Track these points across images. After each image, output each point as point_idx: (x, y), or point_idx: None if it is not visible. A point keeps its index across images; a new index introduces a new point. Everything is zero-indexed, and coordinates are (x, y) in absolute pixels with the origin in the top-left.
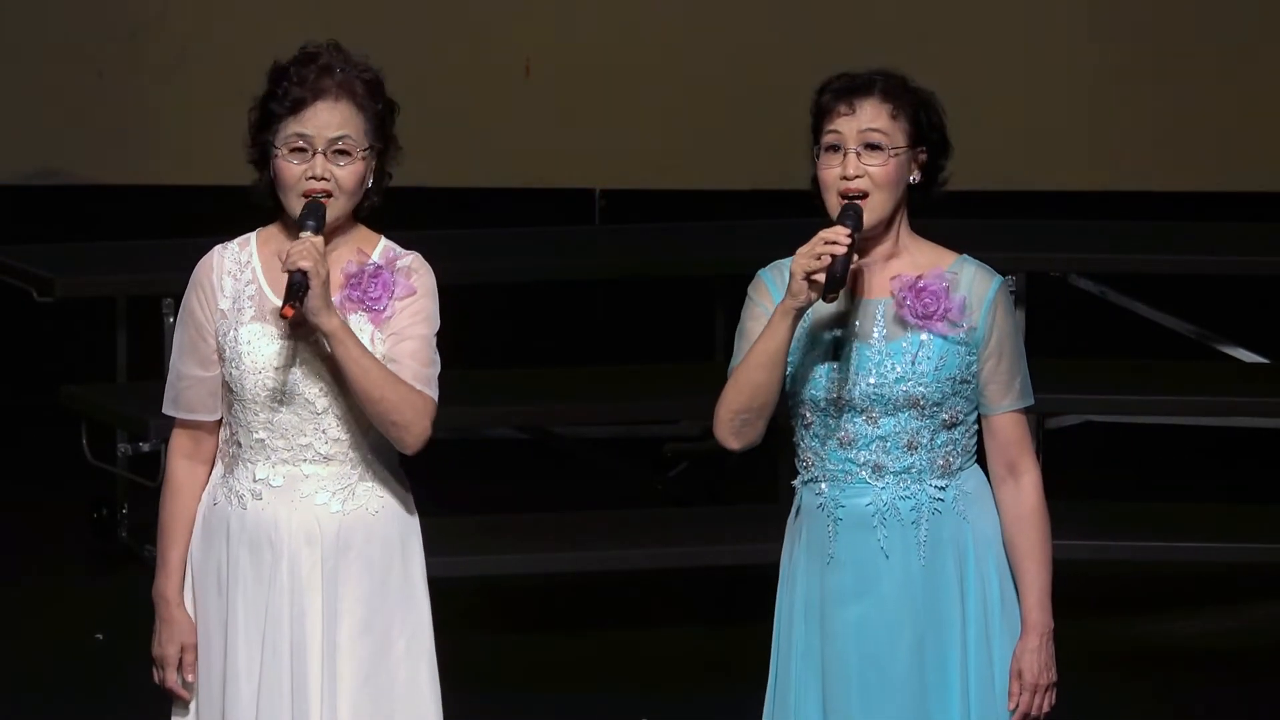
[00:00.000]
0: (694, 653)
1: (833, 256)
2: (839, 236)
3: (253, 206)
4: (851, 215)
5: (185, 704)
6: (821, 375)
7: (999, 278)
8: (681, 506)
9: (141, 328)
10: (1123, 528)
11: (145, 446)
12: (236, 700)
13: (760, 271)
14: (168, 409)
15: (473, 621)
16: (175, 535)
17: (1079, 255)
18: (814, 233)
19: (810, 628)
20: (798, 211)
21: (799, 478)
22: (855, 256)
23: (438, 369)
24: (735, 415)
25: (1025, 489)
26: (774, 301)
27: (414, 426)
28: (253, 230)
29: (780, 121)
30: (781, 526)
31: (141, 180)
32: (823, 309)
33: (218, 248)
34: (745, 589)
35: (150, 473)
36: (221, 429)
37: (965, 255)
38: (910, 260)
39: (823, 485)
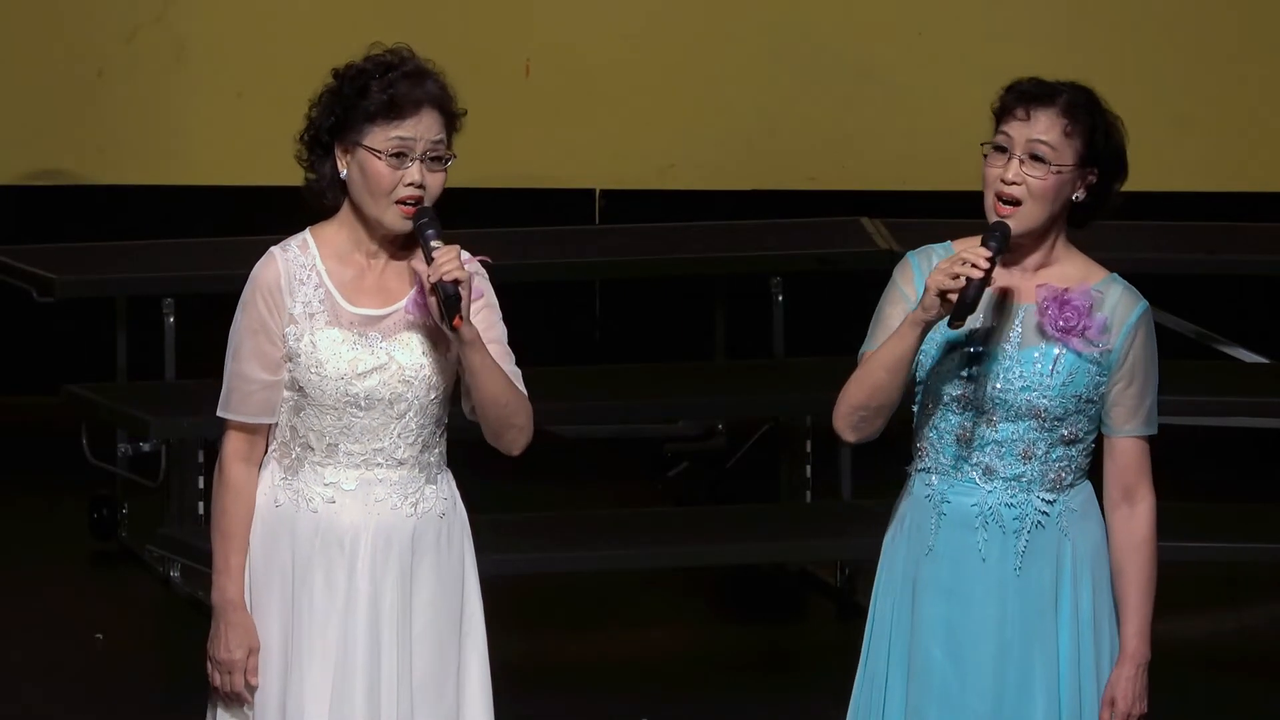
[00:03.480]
0: (694, 653)
1: (968, 280)
2: (979, 259)
3: (251, 206)
4: (997, 235)
5: (238, 706)
6: (950, 370)
7: (1144, 303)
8: (681, 506)
9: (141, 328)
10: None
11: (145, 446)
12: (300, 701)
13: (909, 254)
14: (227, 413)
15: None
16: (239, 540)
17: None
18: (818, 233)
19: (901, 612)
20: (798, 211)
21: (913, 463)
22: (993, 279)
23: None
24: (854, 411)
25: (1139, 516)
26: (915, 289)
27: (528, 428)
28: (252, 226)
29: (781, 122)
30: (781, 527)
31: (141, 180)
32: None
33: (276, 250)
34: (745, 589)
35: (150, 473)
36: (277, 431)
37: (1114, 274)
38: (1059, 272)
39: (933, 478)
